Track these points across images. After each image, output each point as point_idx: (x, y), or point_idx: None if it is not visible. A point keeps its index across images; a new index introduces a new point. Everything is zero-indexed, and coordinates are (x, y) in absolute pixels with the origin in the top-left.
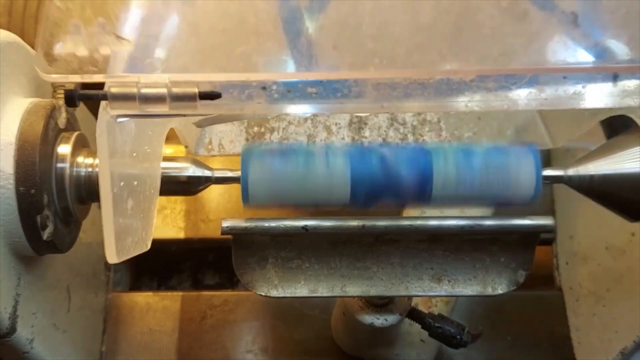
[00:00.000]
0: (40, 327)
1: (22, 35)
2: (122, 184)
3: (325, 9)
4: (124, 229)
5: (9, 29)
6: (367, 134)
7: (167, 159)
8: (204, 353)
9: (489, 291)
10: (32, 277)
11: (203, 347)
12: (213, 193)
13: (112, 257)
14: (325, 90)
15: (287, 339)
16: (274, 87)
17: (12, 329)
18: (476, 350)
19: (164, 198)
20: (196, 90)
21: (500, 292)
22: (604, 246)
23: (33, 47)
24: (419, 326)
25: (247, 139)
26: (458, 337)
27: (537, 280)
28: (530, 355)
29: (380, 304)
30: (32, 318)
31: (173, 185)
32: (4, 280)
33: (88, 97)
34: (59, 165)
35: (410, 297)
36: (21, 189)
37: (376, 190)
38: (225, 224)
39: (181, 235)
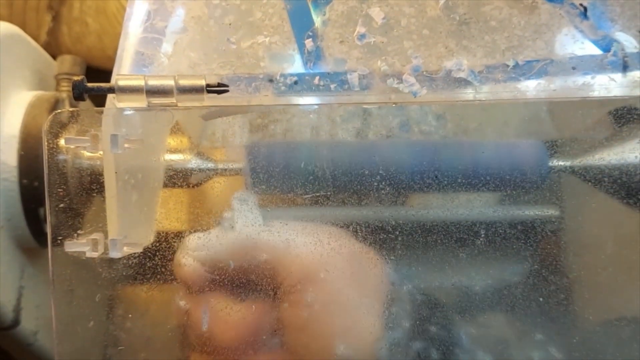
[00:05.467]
0: (45, 319)
1: (23, 27)
2: (126, 176)
3: (332, 2)
4: (128, 222)
5: (10, 21)
6: (371, 125)
7: (171, 151)
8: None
9: None
10: (35, 270)
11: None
12: (216, 185)
13: (116, 251)
14: (333, 82)
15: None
16: (281, 79)
17: (16, 321)
18: None
19: (167, 190)
20: (203, 82)
21: None
22: (612, 237)
23: (35, 39)
24: None
25: (250, 131)
26: None
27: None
28: None
29: None
30: (36, 310)
31: (177, 178)
32: (8, 273)
33: (95, 90)
34: (63, 157)
35: None
36: (24, 181)
37: (382, 177)
38: (227, 215)
39: (184, 227)
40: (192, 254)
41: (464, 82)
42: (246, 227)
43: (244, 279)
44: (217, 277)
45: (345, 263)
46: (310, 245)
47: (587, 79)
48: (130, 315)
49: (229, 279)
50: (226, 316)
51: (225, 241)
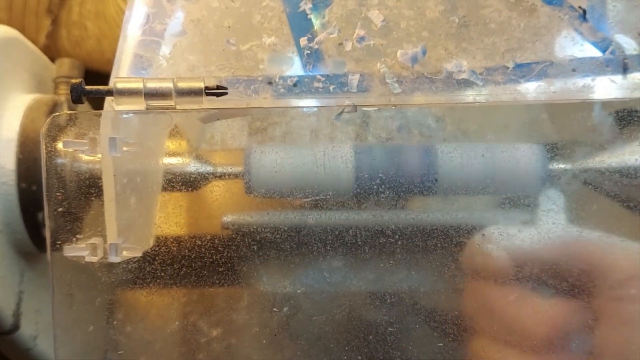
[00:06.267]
0: (44, 324)
1: (22, 30)
2: (125, 180)
3: (331, 5)
4: (127, 226)
5: (9, 25)
6: (371, 127)
7: (169, 154)
8: (209, 348)
9: None
10: (35, 274)
11: (207, 342)
12: (215, 188)
13: (115, 256)
14: (332, 84)
15: (295, 329)
16: (280, 81)
17: (16, 326)
18: None
19: (165, 194)
20: (202, 85)
21: None
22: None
23: (34, 43)
24: None
25: (249, 134)
26: None
27: None
28: None
29: None
30: (36, 315)
31: (175, 181)
32: (7, 277)
33: (94, 93)
34: (61, 161)
35: None
36: (23, 185)
37: (381, 180)
38: (226, 218)
39: (183, 231)
40: (500, 244)
41: (464, 84)
42: (556, 223)
43: (553, 274)
44: (524, 270)
45: None
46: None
47: (587, 81)
48: (129, 320)
49: (536, 272)
50: (537, 309)
51: (536, 236)
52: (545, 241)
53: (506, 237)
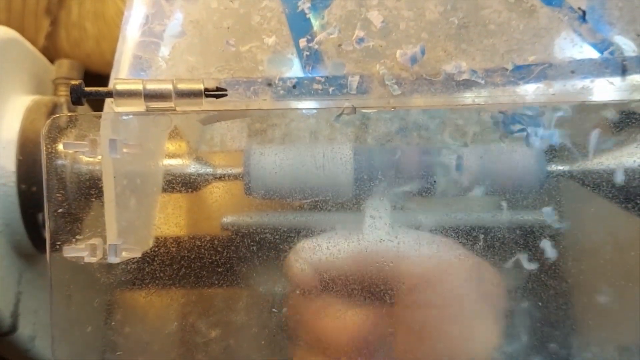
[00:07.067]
0: (43, 325)
1: (21, 31)
2: (125, 181)
3: (330, 6)
4: (127, 227)
5: (8, 26)
6: (370, 129)
7: (169, 155)
8: (208, 349)
9: None
10: (33, 275)
11: (206, 343)
12: (215, 190)
13: (114, 257)
14: (331, 86)
15: (294, 332)
16: (280, 83)
17: (14, 327)
18: None
19: (165, 195)
20: (202, 86)
21: None
22: (611, 242)
23: (33, 44)
24: None
25: (249, 135)
26: None
27: None
28: None
29: None
30: (34, 316)
31: (175, 182)
32: (6, 278)
33: (93, 94)
34: (61, 162)
35: None
36: (22, 186)
37: (380, 181)
38: (226, 219)
39: (182, 232)
40: (305, 258)
41: (463, 86)
42: (371, 233)
43: (359, 283)
44: (331, 281)
45: (464, 272)
46: (431, 252)
47: (586, 82)
48: (128, 321)
49: (343, 282)
50: (340, 318)
51: (341, 246)
52: (349, 252)
53: (312, 250)
